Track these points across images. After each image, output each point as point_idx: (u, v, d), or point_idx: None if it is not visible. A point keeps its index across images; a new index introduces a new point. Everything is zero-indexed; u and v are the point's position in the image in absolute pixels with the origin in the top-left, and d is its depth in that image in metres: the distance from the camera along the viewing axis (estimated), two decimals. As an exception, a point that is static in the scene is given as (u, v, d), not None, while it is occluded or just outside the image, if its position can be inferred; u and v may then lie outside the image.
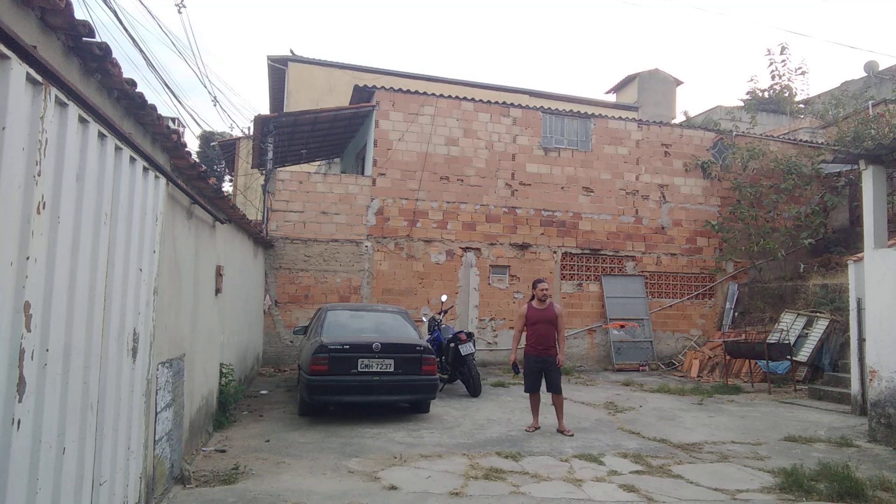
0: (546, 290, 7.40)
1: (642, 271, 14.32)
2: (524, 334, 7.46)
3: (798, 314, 12.15)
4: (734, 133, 15.24)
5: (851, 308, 8.97)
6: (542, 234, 13.71)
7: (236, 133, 23.97)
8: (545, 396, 7.50)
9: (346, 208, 12.66)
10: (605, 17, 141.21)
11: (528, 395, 7.53)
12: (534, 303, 7.43)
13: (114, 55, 3.06)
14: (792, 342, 11.36)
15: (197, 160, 4.98)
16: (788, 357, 11.10)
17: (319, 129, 14.29)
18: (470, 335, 9.69)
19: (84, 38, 2.79)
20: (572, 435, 7.02)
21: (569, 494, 4.98)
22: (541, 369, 7.24)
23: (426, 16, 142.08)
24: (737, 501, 4.95)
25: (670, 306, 14.43)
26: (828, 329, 11.32)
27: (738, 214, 14.26)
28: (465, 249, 13.25)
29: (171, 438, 4.72)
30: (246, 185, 19.75)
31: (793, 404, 9.57)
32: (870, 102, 16.15)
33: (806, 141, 15.98)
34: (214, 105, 47.16)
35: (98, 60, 2.97)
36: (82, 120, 2.74)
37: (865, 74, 19.57)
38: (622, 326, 13.47)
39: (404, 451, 6.15)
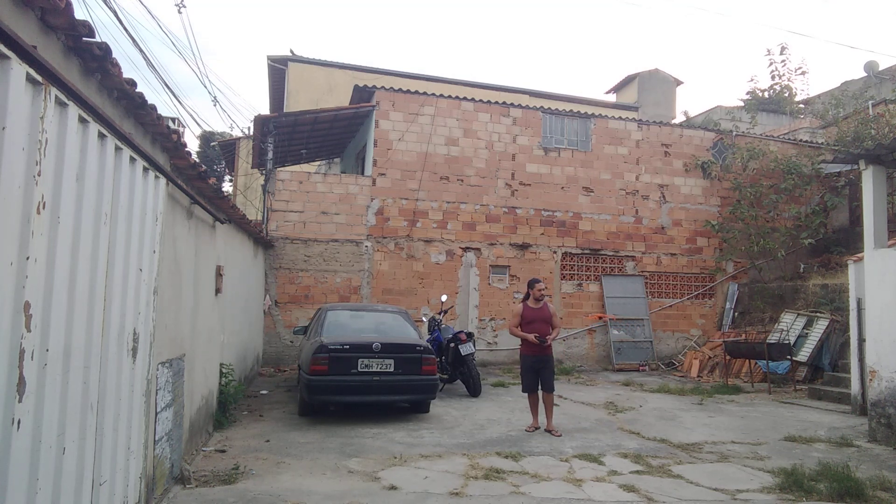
0: (543, 290, 7.42)
1: (642, 271, 14.32)
2: None
3: (798, 314, 12.15)
4: (734, 133, 15.23)
5: (851, 308, 8.97)
6: (542, 234, 13.71)
7: (236, 133, 23.98)
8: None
9: (346, 208, 12.66)
10: (605, 17, 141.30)
11: (526, 394, 7.54)
12: (529, 302, 7.44)
13: (114, 55, 3.06)
14: (792, 342, 11.36)
15: (197, 160, 4.98)
16: (788, 357, 11.10)
17: (319, 129, 14.29)
18: (470, 335, 9.70)
19: (84, 38, 2.79)
20: (560, 435, 7.02)
21: (569, 494, 4.98)
22: (538, 368, 7.25)
23: (426, 16, 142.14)
24: (737, 501, 4.95)
25: (670, 306, 14.43)
26: (828, 329, 11.32)
27: (738, 214, 14.25)
28: (465, 249, 13.25)
29: (171, 438, 4.72)
30: (246, 185, 19.75)
31: (793, 404, 9.57)
32: (870, 102, 16.12)
33: (806, 141, 15.98)
34: (214, 105, 47.14)
35: (98, 60, 2.97)
36: (82, 120, 2.74)
37: (865, 74, 19.54)
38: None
39: (404, 451, 6.15)
